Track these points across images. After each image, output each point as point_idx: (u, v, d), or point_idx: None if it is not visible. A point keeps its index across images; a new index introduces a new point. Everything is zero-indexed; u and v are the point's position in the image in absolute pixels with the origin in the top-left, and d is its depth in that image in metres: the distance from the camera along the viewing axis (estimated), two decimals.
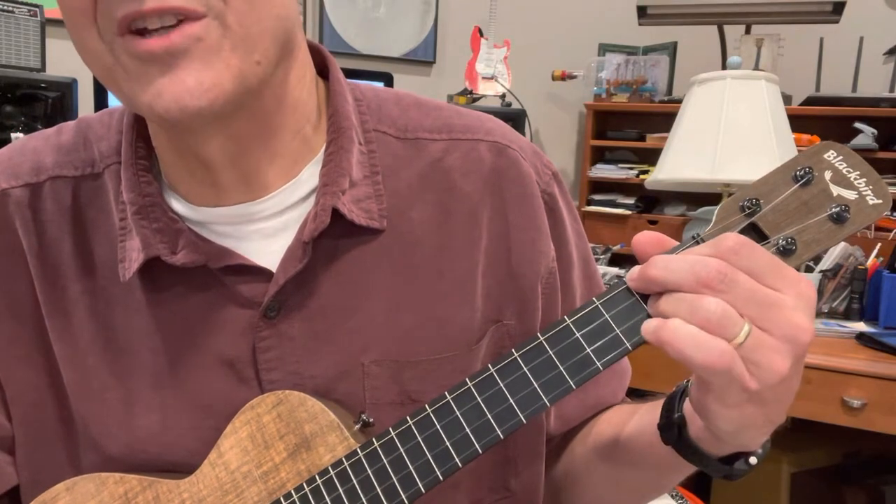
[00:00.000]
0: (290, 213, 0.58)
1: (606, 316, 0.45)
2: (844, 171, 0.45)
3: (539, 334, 0.46)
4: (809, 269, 1.98)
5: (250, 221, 0.57)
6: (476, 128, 0.64)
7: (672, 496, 1.70)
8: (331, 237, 0.56)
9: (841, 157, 0.45)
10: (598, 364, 0.45)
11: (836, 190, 0.45)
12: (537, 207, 0.63)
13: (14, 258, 0.58)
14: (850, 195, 0.45)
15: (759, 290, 0.41)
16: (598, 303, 0.45)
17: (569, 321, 0.46)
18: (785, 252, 0.44)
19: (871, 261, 1.93)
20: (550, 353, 0.46)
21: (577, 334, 0.45)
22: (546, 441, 0.67)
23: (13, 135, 1.66)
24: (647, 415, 0.57)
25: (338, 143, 0.58)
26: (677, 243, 0.45)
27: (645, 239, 0.45)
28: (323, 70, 0.62)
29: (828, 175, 0.45)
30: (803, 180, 0.45)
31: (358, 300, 0.58)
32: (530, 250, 0.62)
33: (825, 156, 0.45)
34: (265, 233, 0.58)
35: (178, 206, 0.57)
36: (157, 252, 0.55)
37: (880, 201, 0.44)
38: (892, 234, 2.12)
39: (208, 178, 0.55)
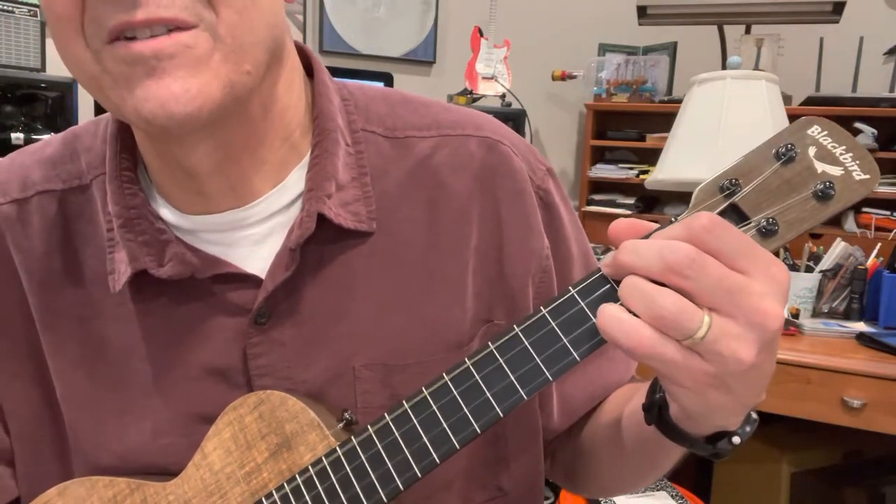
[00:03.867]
0: (278, 218, 0.57)
1: (582, 304, 0.43)
2: (829, 146, 0.42)
3: (515, 325, 0.45)
4: (809, 270, 1.98)
5: (238, 228, 0.56)
6: (465, 123, 0.63)
7: (672, 496, 1.70)
8: (319, 242, 0.55)
9: (826, 132, 0.43)
10: (575, 355, 0.43)
11: (820, 166, 0.42)
12: (529, 204, 0.62)
13: (5, 275, 0.58)
14: (835, 171, 0.42)
15: (726, 276, 0.39)
16: (573, 291, 0.44)
17: (544, 311, 0.44)
18: (767, 233, 0.42)
19: (871, 261, 1.93)
20: (526, 343, 0.44)
21: (553, 324, 0.44)
22: (554, 438, 0.67)
23: (13, 135, 1.66)
24: (638, 397, 0.56)
25: (322, 146, 0.57)
26: (656, 226, 0.43)
27: (621, 226, 0.44)
28: (309, 71, 0.61)
29: (811, 151, 0.42)
30: (786, 157, 0.42)
31: (347, 304, 0.57)
32: (521, 248, 0.62)
33: (809, 131, 0.43)
34: (253, 239, 0.57)
35: (167, 213, 0.57)
36: (144, 265, 0.54)
37: (868, 176, 0.42)
38: (892, 234, 2.12)
39: (194, 186, 0.55)
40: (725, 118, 1.88)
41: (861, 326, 1.83)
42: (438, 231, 0.59)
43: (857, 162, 0.42)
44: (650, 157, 2.57)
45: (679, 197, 2.67)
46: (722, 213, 0.43)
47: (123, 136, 0.57)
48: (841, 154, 0.42)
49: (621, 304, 0.41)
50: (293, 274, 0.55)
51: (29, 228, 0.59)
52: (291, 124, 0.57)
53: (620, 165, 2.78)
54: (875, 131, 2.29)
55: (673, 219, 0.43)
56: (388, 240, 0.58)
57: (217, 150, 0.52)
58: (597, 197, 2.79)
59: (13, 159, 0.62)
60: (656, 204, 2.76)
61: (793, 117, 2.14)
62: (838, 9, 2.33)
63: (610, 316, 0.40)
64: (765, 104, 1.89)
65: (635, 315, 0.40)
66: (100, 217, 0.58)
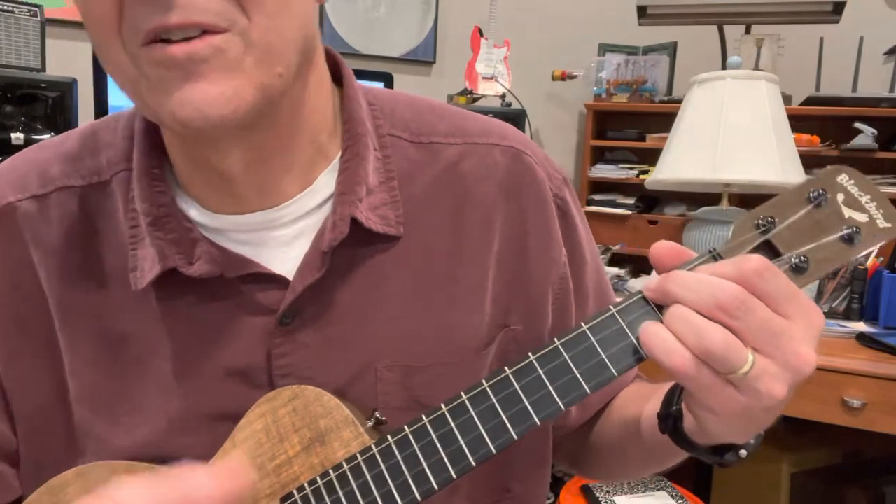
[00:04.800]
0: (307, 220, 0.58)
1: (622, 324, 0.46)
2: (856, 194, 0.47)
3: (556, 339, 0.47)
4: None
5: (268, 229, 0.57)
6: (490, 132, 0.64)
7: (672, 496, 1.70)
8: (348, 245, 0.56)
9: (853, 181, 0.47)
10: (613, 370, 0.46)
11: (847, 212, 0.46)
12: (550, 213, 0.64)
13: (24, 271, 0.58)
14: (860, 218, 0.46)
15: (771, 320, 0.42)
16: (614, 310, 0.46)
17: (585, 327, 0.47)
18: (797, 270, 0.45)
19: (871, 261, 1.93)
20: (566, 356, 0.46)
21: (593, 339, 0.46)
22: (568, 433, 0.70)
23: (13, 135, 1.66)
24: (655, 400, 0.58)
25: (353, 150, 0.57)
26: (695, 255, 0.46)
27: (663, 250, 0.46)
28: (336, 75, 0.61)
29: (840, 197, 0.47)
30: (816, 202, 0.46)
31: (372, 306, 0.58)
32: (543, 257, 0.63)
33: (838, 179, 0.47)
34: (282, 240, 0.57)
35: (194, 213, 0.57)
36: (174, 263, 0.54)
37: (890, 225, 0.46)
38: None
39: (224, 188, 0.55)
40: (725, 118, 1.88)
41: (861, 326, 1.83)
42: (462, 237, 0.60)
43: (881, 211, 0.47)
44: (650, 157, 2.57)
45: (679, 197, 2.67)
46: (756, 248, 0.46)
47: (152, 134, 0.57)
48: (867, 202, 0.47)
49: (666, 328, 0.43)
50: (322, 277, 0.55)
51: (48, 224, 0.59)
52: (319, 126, 0.57)
53: (620, 165, 2.78)
54: (875, 131, 2.29)
55: (712, 251, 0.46)
56: (414, 244, 0.59)
57: (248, 152, 0.53)
58: (597, 197, 2.79)
59: (31, 154, 0.62)
60: (656, 204, 2.76)
61: (793, 117, 2.14)
62: (838, 9, 2.33)
63: (654, 334, 0.43)
64: (765, 104, 1.89)
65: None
66: (120, 214, 0.58)
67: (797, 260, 0.45)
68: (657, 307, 0.45)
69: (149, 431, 0.57)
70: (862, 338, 1.74)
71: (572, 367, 0.46)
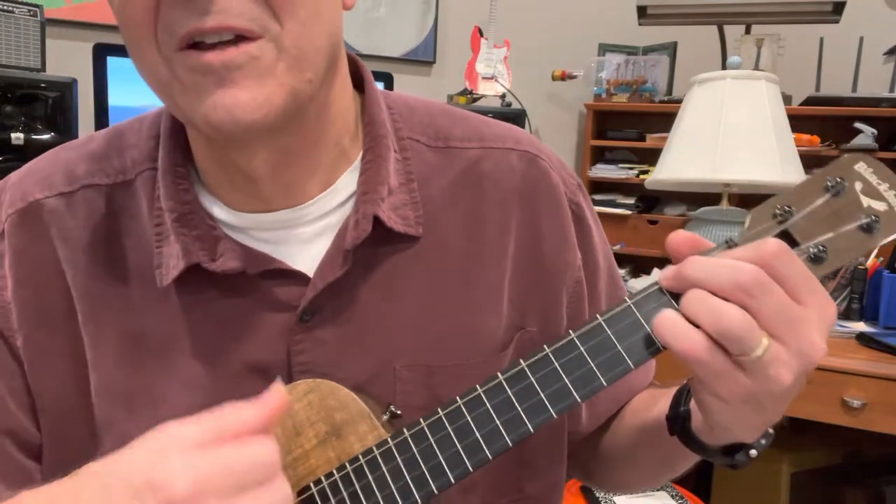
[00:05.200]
0: (328, 218, 0.59)
1: (638, 315, 0.46)
2: (875, 182, 0.46)
3: (570, 331, 0.47)
4: None
5: (290, 227, 0.58)
6: (506, 137, 0.65)
7: (672, 496, 1.70)
8: (369, 244, 0.57)
9: (871, 170, 0.46)
10: (630, 362, 0.46)
11: (866, 201, 0.46)
12: (565, 218, 0.64)
13: (50, 268, 0.59)
14: (879, 206, 0.46)
15: (788, 305, 0.42)
16: (629, 302, 0.46)
17: (601, 319, 0.46)
18: (816, 259, 0.45)
19: (871, 261, 1.93)
20: (582, 349, 0.46)
21: (609, 331, 0.46)
22: (580, 441, 0.69)
23: (13, 135, 1.65)
24: (663, 403, 0.58)
25: (375, 151, 0.58)
26: (713, 245, 0.46)
27: (680, 239, 0.46)
28: (356, 79, 0.62)
29: (858, 186, 0.46)
30: (834, 191, 0.46)
31: (391, 306, 0.59)
32: (558, 260, 0.64)
33: (855, 167, 0.46)
34: (303, 238, 0.58)
35: (217, 211, 0.58)
36: (198, 259, 0.55)
37: None
38: None
39: (250, 188, 0.56)
40: (725, 118, 1.88)
41: (861, 326, 1.83)
42: (479, 240, 0.61)
43: None
44: (650, 157, 2.57)
45: (679, 197, 2.67)
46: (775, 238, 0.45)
47: (178, 134, 0.59)
48: (885, 191, 0.46)
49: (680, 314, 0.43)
50: (343, 274, 0.56)
51: (74, 221, 0.60)
52: (342, 129, 0.59)
53: (620, 165, 2.78)
54: (875, 131, 2.29)
55: (729, 241, 0.46)
56: (433, 245, 0.60)
57: (275, 154, 0.54)
58: (597, 197, 2.79)
59: (57, 154, 0.63)
60: (656, 204, 2.76)
61: (793, 117, 2.15)
62: (838, 9, 2.33)
63: (667, 319, 0.43)
64: (765, 104, 1.89)
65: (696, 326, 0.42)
66: (144, 212, 0.59)
67: (815, 249, 0.45)
68: (673, 298, 0.45)
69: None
70: (862, 338, 1.74)
71: (588, 359, 0.46)
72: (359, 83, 0.62)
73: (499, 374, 0.48)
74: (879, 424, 1.55)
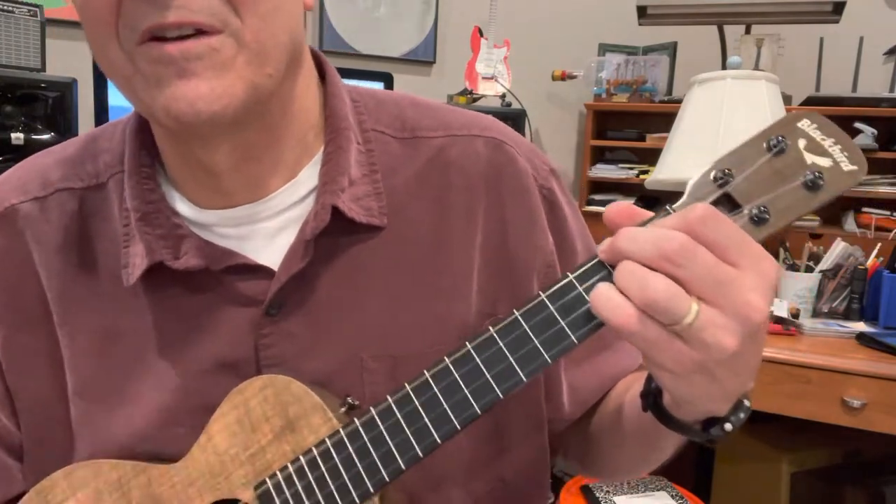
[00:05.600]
0: (290, 212, 0.59)
1: (580, 289, 0.45)
2: (819, 138, 0.44)
3: (515, 310, 0.46)
4: (809, 270, 1.98)
5: (253, 222, 0.58)
6: (472, 124, 0.65)
7: (672, 496, 1.70)
8: (331, 235, 0.57)
9: (815, 126, 0.44)
10: (573, 337, 0.44)
11: (810, 158, 0.44)
12: (533, 203, 0.64)
13: (26, 270, 0.60)
14: (824, 162, 0.43)
15: (717, 267, 0.40)
16: (571, 276, 0.45)
17: (543, 295, 0.45)
18: (758, 221, 0.43)
19: (871, 261, 1.93)
20: (526, 327, 0.45)
21: (552, 308, 0.45)
22: (566, 427, 0.69)
23: (13, 135, 1.65)
24: (639, 383, 0.58)
25: (336, 143, 0.59)
26: (651, 214, 0.45)
27: (616, 210, 0.45)
28: (321, 74, 0.63)
29: (801, 143, 0.44)
30: (776, 149, 0.44)
31: (357, 297, 0.59)
32: (525, 245, 0.63)
33: (799, 124, 0.45)
34: (266, 232, 0.59)
35: (183, 208, 0.59)
36: (161, 257, 0.56)
37: (855, 167, 0.43)
38: (892, 234, 2.12)
39: (213, 184, 0.57)
40: (725, 118, 1.88)
41: (861, 326, 1.83)
42: (446, 228, 0.61)
43: (846, 154, 0.44)
44: (650, 157, 2.57)
45: (679, 197, 2.66)
46: (715, 202, 0.44)
47: (142, 134, 0.59)
48: (830, 146, 0.44)
49: (615, 287, 0.42)
50: (306, 266, 0.57)
51: (48, 224, 0.61)
52: (306, 125, 0.59)
53: (620, 165, 2.78)
54: (875, 131, 2.29)
55: (669, 208, 0.44)
56: (398, 235, 0.60)
57: (237, 149, 0.55)
58: (597, 197, 2.79)
59: (34, 160, 0.65)
60: (656, 204, 2.76)
61: None
62: (838, 9, 2.33)
63: (601, 294, 0.42)
64: (765, 104, 1.88)
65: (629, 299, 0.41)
66: (115, 214, 0.60)
67: (756, 210, 0.43)
68: (614, 269, 0.43)
69: (143, 424, 0.58)
70: (862, 338, 1.74)
71: (532, 336, 0.45)
72: (323, 78, 0.63)
73: (445, 358, 0.47)
74: (879, 424, 1.55)
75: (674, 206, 0.44)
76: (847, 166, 0.44)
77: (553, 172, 0.67)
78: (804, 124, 0.45)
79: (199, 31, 0.47)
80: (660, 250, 0.40)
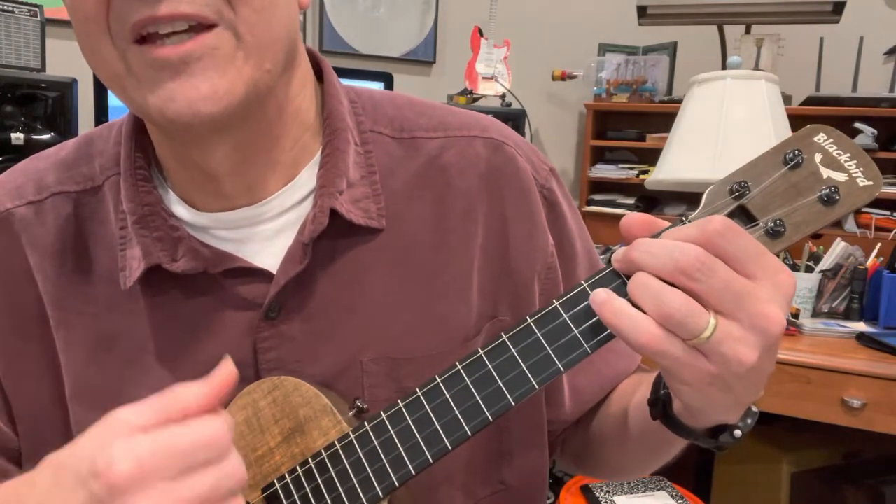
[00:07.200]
0: (289, 215, 0.58)
1: None
2: (835, 153, 0.44)
3: (528, 317, 0.46)
4: (809, 270, 1.98)
5: (251, 224, 0.58)
6: (471, 125, 0.64)
7: (672, 496, 1.70)
8: (330, 237, 0.57)
9: (831, 140, 0.45)
10: (587, 347, 0.44)
11: (825, 172, 0.44)
12: (534, 203, 0.64)
13: (21, 275, 0.60)
14: (840, 177, 0.44)
15: (734, 281, 0.40)
16: (585, 284, 0.45)
17: (556, 303, 0.45)
18: (774, 234, 0.43)
19: (871, 261, 1.93)
20: (538, 335, 0.45)
21: (565, 316, 0.45)
22: (570, 428, 0.69)
23: (13, 135, 1.65)
24: (644, 388, 0.58)
25: (333, 145, 0.58)
26: (667, 224, 0.44)
27: (633, 220, 0.45)
28: (319, 75, 0.62)
29: (818, 157, 0.44)
30: (793, 163, 0.44)
31: (357, 299, 0.58)
32: (526, 246, 0.63)
33: (815, 138, 0.45)
34: (265, 235, 0.58)
35: (181, 210, 0.58)
36: (158, 260, 0.56)
37: (871, 183, 0.44)
38: (892, 234, 2.12)
39: (211, 187, 0.56)
40: (725, 118, 1.88)
41: (861, 326, 1.83)
42: (445, 229, 0.61)
43: (861, 169, 0.44)
44: (650, 157, 2.57)
45: (679, 197, 2.67)
46: (731, 214, 0.44)
47: (138, 135, 0.59)
48: (846, 161, 0.44)
49: (629, 300, 0.42)
50: (304, 269, 0.56)
51: (44, 228, 0.60)
52: (303, 126, 0.58)
53: (620, 165, 2.78)
54: (875, 131, 2.29)
55: (684, 219, 0.44)
56: (397, 237, 0.59)
57: (235, 151, 0.54)
58: (597, 197, 2.79)
59: (28, 164, 0.64)
60: (656, 204, 2.76)
61: (793, 117, 2.14)
62: (838, 9, 2.33)
63: (619, 311, 0.41)
64: (765, 104, 1.88)
65: (643, 311, 0.41)
66: (111, 217, 0.59)
67: (773, 224, 0.43)
68: (628, 278, 0.43)
69: None
70: (862, 338, 1.74)
71: (545, 344, 0.45)
72: (321, 79, 0.62)
73: (457, 363, 0.47)
74: (879, 424, 1.55)
75: (690, 216, 0.45)
76: (863, 181, 0.44)
77: (553, 172, 0.67)
78: (820, 138, 0.45)
79: (193, 28, 0.46)
80: (675, 263, 0.40)
